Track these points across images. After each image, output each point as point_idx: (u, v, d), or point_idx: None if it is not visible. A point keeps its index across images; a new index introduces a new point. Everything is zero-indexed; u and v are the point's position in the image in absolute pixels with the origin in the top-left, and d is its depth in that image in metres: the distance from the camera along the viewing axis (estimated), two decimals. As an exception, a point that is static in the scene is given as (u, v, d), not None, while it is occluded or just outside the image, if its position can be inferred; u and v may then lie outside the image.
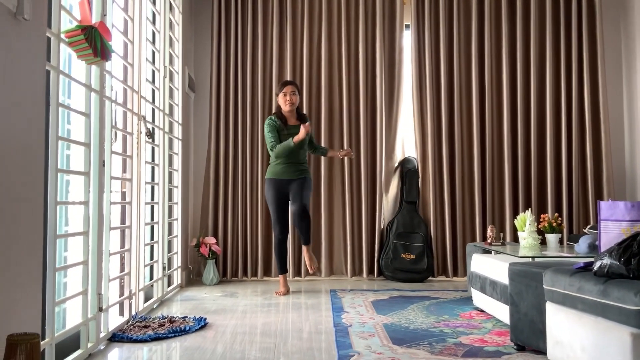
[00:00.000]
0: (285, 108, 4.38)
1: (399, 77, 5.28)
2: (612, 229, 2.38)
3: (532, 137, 5.21)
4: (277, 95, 4.44)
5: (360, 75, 5.20)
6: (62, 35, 2.36)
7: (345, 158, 4.96)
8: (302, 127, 4.21)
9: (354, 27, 5.27)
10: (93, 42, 2.41)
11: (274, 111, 4.58)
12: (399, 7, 5.26)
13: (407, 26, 5.36)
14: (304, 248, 4.40)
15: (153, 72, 4.09)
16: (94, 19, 2.65)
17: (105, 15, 2.84)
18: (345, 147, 5.11)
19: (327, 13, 5.23)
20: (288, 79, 5.00)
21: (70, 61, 2.95)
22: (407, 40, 5.35)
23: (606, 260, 2.04)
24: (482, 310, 3.60)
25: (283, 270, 4.44)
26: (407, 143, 5.39)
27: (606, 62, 5.32)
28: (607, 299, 1.95)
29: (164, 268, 4.10)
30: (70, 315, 2.99)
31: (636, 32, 5.26)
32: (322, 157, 5.09)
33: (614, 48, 5.45)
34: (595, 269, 2.09)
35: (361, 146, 5.17)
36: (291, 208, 4.33)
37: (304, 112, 4.93)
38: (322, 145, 5.04)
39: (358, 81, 5.23)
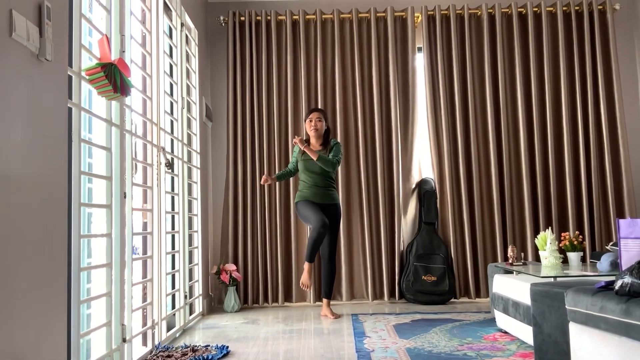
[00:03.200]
0: (310, 133, 4.57)
1: (413, 99, 5.32)
2: (632, 246, 2.36)
3: (550, 155, 5.19)
4: (304, 121, 4.66)
5: (375, 98, 5.25)
6: (83, 73, 2.44)
7: (362, 179, 5.04)
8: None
9: (367, 51, 5.34)
10: (113, 78, 2.49)
11: (304, 138, 4.71)
12: (410, 30, 5.32)
13: (420, 49, 5.42)
14: (306, 264, 4.37)
15: (171, 103, 4.17)
16: (113, 56, 2.73)
17: (123, 51, 2.93)
18: (362, 174, 5.15)
19: (340, 39, 5.30)
20: (316, 106, 5.14)
21: (90, 97, 3.03)
22: (419, 62, 5.40)
23: (627, 279, 2.02)
24: (506, 332, 3.56)
25: (311, 259, 4.37)
26: (423, 164, 5.40)
27: (621, 75, 5.31)
28: (630, 318, 1.93)
29: (185, 296, 4.13)
30: (95, 346, 3.02)
31: (650, 46, 5.25)
32: (340, 181, 5.12)
33: (628, 62, 5.44)
34: (616, 288, 2.07)
35: (378, 168, 5.19)
36: (326, 220, 4.32)
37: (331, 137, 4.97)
38: (335, 174, 4.89)
39: (372, 104, 5.27)
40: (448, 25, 5.34)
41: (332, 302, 5.10)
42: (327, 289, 4.51)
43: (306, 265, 4.38)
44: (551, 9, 5.33)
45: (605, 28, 5.32)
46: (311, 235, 4.34)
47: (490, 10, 5.32)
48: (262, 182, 4.47)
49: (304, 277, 4.39)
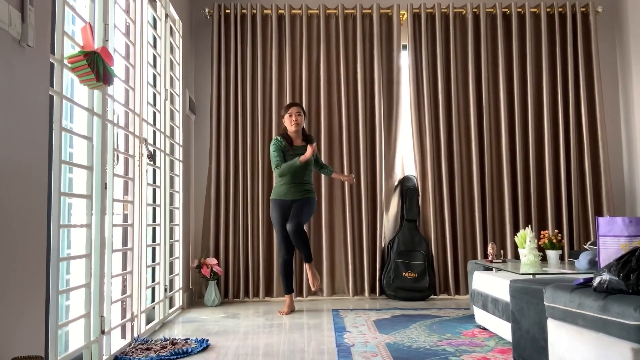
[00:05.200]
0: (291, 128, 4.46)
1: (397, 97, 5.33)
2: (610, 244, 2.40)
3: (530, 154, 5.25)
4: (282, 117, 4.54)
5: (359, 95, 5.25)
6: (65, 61, 2.41)
7: (346, 183, 5.02)
8: (309, 146, 4.30)
9: (352, 48, 5.34)
10: (95, 67, 2.46)
11: (279, 133, 4.62)
12: (395, 28, 5.34)
13: (405, 46, 5.43)
14: (305, 266, 4.40)
15: (154, 95, 4.13)
16: (96, 45, 2.70)
17: (107, 40, 2.89)
18: (345, 169, 5.15)
19: (325, 35, 5.29)
20: (293, 101, 5.08)
21: (73, 86, 2.99)
22: (404, 60, 5.41)
23: (605, 276, 2.05)
24: (484, 328, 3.59)
25: (289, 290, 4.45)
26: (406, 161, 5.42)
27: (602, 78, 5.38)
28: (607, 315, 1.96)
29: (165, 290, 4.10)
30: (73, 338, 2.99)
31: (631, 49, 5.33)
32: (323, 177, 5.12)
33: (609, 65, 5.52)
34: (595, 284, 2.10)
35: (361, 165, 5.20)
36: (287, 226, 4.32)
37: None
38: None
39: (357, 101, 5.28)
40: (433, 23, 5.36)
41: (312, 298, 5.12)
42: (306, 254, 4.36)
43: (286, 298, 4.45)
44: (535, 9, 5.38)
45: (587, 30, 5.39)
46: (280, 264, 4.46)
47: (475, 10, 5.36)
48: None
49: (285, 309, 4.39)
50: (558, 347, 2.30)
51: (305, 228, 4.44)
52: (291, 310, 4.39)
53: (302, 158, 4.28)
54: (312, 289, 4.46)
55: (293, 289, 4.51)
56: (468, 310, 4.25)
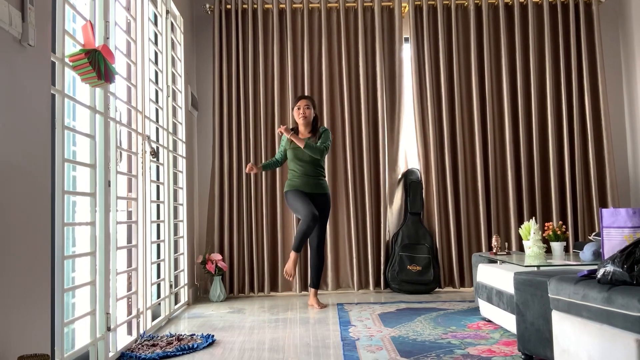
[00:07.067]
0: (299, 121, 4.49)
1: (399, 90, 5.32)
2: (614, 236, 2.39)
3: (534, 146, 5.23)
4: (292, 109, 4.58)
5: (362, 88, 5.24)
6: (67, 60, 2.41)
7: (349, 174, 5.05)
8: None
9: (354, 41, 5.32)
10: (97, 65, 2.46)
11: (291, 126, 4.71)
12: (397, 20, 5.32)
13: (407, 39, 5.41)
14: (292, 253, 4.35)
15: (156, 91, 4.14)
16: (97, 42, 2.70)
17: (108, 38, 2.89)
18: (349, 165, 5.15)
19: (327, 28, 5.28)
20: (302, 94, 5.09)
21: (74, 84, 2.99)
22: (406, 53, 5.40)
23: (609, 268, 2.05)
24: (489, 321, 3.59)
25: (298, 249, 4.36)
26: (409, 155, 5.41)
27: (606, 69, 5.35)
28: (611, 306, 1.96)
29: (170, 286, 4.12)
30: (79, 335, 3.00)
31: (634, 38, 5.30)
32: (329, 172, 5.11)
33: (613, 55, 5.49)
34: (598, 276, 2.10)
35: (364, 159, 5.20)
36: (319, 215, 4.35)
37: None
38: (324, 163, 4.92)
39: (359, 95, 5.27)
40: (435, 15, 5.34)
41: (317, 292, 5.12)
42: (315, 278, 4.50)
43: (292, 255, 4.37)
44: (537, 0, 5.35)
45: (590, 20, 5.36)
46: (300, 228, 4.32)
47: (477, 1, 5.33)
48: (247, 171, 4.42)
49: (289, 266, 4.36)
50: (562, 338, 2.30)
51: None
52: (294, 265, 4.35)
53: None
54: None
55: (300, 250, 4.41)
56: (473, 302, 4.25)
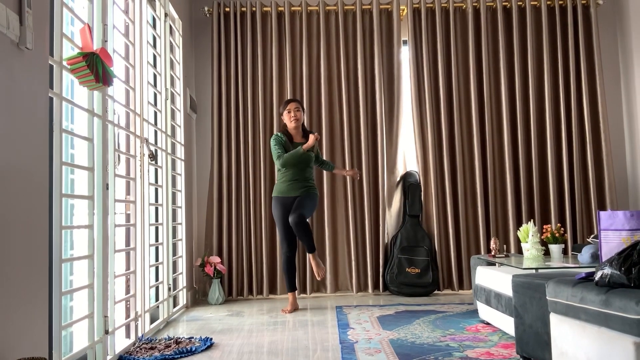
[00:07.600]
0: (291, 125, 4.43)
1: (398, 92, 5.32)
2: (612, 238, 2.39)
3: (533, 148, 5.24)
4: (281, 114, 4.51)
5: (360, 91, 5.24)
6: (64, 63, 2.41)
7: (349, 177, 5.03)
8: (311, 135, 4.30)
9: (352, 44, 5.33)
10: (95, 68, 2.46)
11: (279, 130, 4.64)
12: (395, 23, 5.32)
13: (405, 42, 5.42)
14: (309, 256, 4.37)
15: (155, 94, 4.14)
16: (95, 45, 2.70)
17: (106, 41, 2.89)
18: (347, 165, 5.14)
19: (325, 31, 5.29)
20: (291, 97, 5.08)
21: (72, 87, 2.99)
22: (405, 55, 5.40)
23: (607, 270, 2.05)
24: (488, 323, 3.59)
25: (292, 287, 4.43)
26: (408, 157, 5.42)
27: (604, 72, 5.36)
28: (609, 309, 1.96)
29: (169, 289, 4.12)
30: (77, 338, 3.00)
31: (632, 41, 5.31)
32: (325, 173, 5.12)
33: (611, 57, 5.49)
34: (596, 279, 2.10)
35: (363, 161, 5.20)
36: (290, 218, 4.27)
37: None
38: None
39: (358, 97, 5.27)
40: (433, 18, 5.35)
41: (316, 295, 5.12)
42: (309, 244, 4.32)
43: (289, 296, 4.42)
44: (535, 2, 5.36)
45: (588, 23, 5.36)
46: (283, 262, 4.45)
47: (475, 4, 5.34)
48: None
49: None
50: (561, 341, 2.29)
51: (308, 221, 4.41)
52: (294, 308, 4.38)
53: (305, 146, 4.27)
54: (318, 278, 4.39)
55: (296, 287, 4.50)
56: (471, 305, 4.25)
